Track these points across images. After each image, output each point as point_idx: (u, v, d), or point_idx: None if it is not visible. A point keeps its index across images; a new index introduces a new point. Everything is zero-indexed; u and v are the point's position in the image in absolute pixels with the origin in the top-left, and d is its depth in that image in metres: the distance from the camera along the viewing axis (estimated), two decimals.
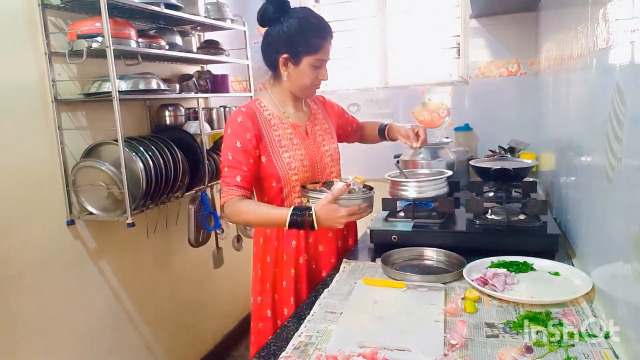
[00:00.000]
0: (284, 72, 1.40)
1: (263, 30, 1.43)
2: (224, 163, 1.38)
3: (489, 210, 1.54)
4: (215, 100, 2.61)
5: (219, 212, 2.38)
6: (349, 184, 1.31)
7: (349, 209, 1.27)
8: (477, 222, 1.50)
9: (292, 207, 1.30)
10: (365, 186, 1.38)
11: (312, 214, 1.27)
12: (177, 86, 2.19)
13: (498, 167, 1.65)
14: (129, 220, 1.71)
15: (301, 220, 1.28)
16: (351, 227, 1.63)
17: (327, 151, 1.51)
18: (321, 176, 1.49)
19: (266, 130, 1.40)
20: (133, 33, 1.77)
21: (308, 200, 1.36)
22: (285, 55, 1.37)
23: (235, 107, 2.61)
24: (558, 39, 1.69)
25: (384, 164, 1.72)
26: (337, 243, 1.53)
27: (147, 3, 1.79)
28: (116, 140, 1.68)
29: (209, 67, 2.57)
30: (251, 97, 2.74)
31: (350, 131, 1.75)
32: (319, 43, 1.35)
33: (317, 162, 1.48)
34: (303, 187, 1.39)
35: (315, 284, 1.38)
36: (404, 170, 1.69)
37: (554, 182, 1.81)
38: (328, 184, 1.39)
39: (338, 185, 1.31)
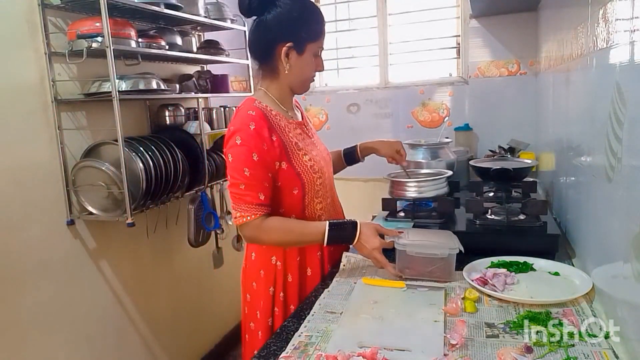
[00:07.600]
0: (285, 64, 1.23)
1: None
2: (240, 179, 1.17)
3: (489, 210, 1.54)
4: (215, 100, 2.60)
5: (218, 212, 2.38)
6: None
7: (384, 243, 1.21)
8: (477, 222, 1.50)
9: (328, 222, 1.22)
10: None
11: (357, 226, 1.21)
12: (177, 86, 2.19)
13: (498, 167, 1.64)
14: (129, 220, 1.71)
15: (340, 234, 1.21)
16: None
17: (325, 149, 1.40)
18: (330, 178, 1.36)
19: (281, 133, 1.23)
20: (133, 33, 1.77)
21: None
22: (289, 44, 1.21)
23: (235, 107, 2.62)
24: (558, 39, 1.69)
25: (384, 163, 1.72)
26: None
27: (147, 3, 1.79)
28: (116, 140, 1.68)
29: (208, 67, 2.57)
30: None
31: None
32: (320, 29, 1.22)
33: (326, 162, 1.35)
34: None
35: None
36: (406, 170, 1.68)
37: (554, 182, 1.81)
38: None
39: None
